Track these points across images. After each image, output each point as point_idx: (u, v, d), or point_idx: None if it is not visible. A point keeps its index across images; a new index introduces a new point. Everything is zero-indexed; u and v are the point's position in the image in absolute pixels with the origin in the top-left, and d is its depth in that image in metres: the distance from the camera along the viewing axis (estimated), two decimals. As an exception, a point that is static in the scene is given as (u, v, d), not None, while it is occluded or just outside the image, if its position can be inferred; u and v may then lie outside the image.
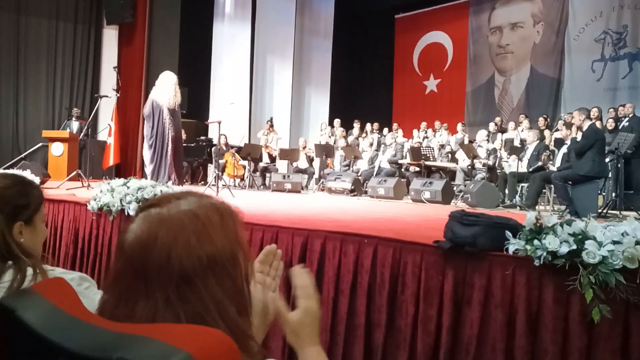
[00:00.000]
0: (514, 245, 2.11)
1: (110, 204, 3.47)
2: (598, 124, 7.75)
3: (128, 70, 10.02)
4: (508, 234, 2.15)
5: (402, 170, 9.37)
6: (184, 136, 8.82)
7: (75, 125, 9.28)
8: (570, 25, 10.99)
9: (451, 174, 8.72)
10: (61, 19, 10.20)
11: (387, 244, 2.43)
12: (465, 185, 7.62)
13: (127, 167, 9.79)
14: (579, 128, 5.68)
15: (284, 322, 0.92)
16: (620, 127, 7.99)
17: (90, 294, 1.24)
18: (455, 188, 7.99)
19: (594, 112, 7.88)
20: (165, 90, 5.75)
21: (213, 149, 9.69)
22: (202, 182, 9.77)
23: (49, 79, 10.16)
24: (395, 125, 11.66)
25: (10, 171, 4.69)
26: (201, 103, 10.99)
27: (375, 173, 9.25)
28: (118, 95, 9.19)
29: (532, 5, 11.69)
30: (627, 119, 8.06)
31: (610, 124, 7.93)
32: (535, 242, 2.05)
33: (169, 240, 0.69)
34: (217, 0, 11.68)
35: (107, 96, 7.95)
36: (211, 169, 9.95)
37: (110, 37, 10.67)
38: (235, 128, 10.69)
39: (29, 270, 1.11)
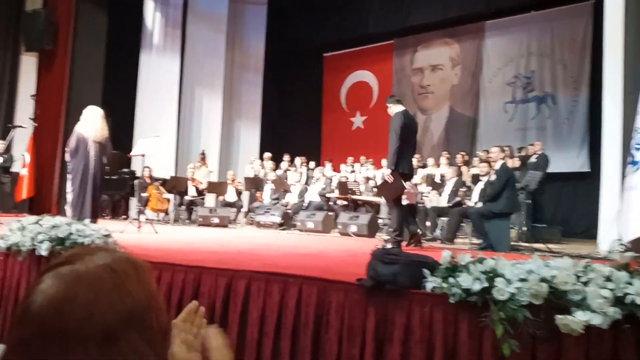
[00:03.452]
0: (432, 283, 2.20)
1: (20, 243, 3.24)
2: (510, 162, 8.32)
3: (47, 99, 9.54)
4: (425, 271, 2.24)
5: (330, 203, 9.51)
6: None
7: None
8: (484, 69, 11.82)
9: (376, 208, 8.96)
10: (-27, 43, 9.62)
11: (311, 283, 2.45)
12: (389, 219, 7.85)
13: (41, 200, 9.21)
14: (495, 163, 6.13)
15: None
16: (527, 164, 8.61)
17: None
18: (380, 221, 8.21)
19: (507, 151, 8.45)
20: (91, 123, 5.55)
21: (136, 182, 9.37)
22: (124, 217, 9.38)
23: (-43, 107, 9.48)
24: (326, 160, 11.87)
25: None
26: (125, 134, 10.65)
27: (304, 206, 9.31)
28: (35, 125, 8.73)
29: (450, 50, 12.47)
30: (535, 156, 8.70)
31: (516, 162, 8.53)
32: (451, 279, 2.16)
33: (90, 298, 0.67)
34: (145, 32, 11.52)
35: (22, 126, 7.52)
36: (134, 203, 9.59)
37: (28, 64, 10.16)
38: (160, 161, 10.42)
39: None
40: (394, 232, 5.15)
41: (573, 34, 10.56)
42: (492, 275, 2.12)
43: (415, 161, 10.19)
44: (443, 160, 9.61)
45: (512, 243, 5.97)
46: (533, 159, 8.65)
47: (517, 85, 11.37)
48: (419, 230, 5.55)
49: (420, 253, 2.71)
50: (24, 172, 8.87)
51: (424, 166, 10.04)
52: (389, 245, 5.08)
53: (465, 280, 2.10)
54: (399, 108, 5.40)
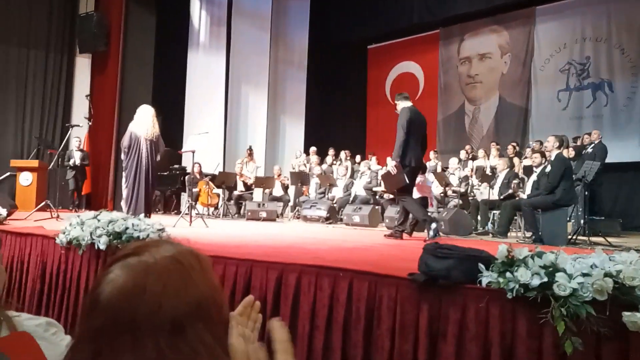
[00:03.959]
0: (487, 277, 2.13)
1: (79, 237, 3.38)
2: (565, 152, 7.99)
3: (101, 99, 9.93)
4: (481, 266, 2.17)
5: (377, 197, 9.43)
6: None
7: (77, 155, 9.04)
8: (535, 57, 11.40)
9: (424, 201, 8.80)
10: (32, 47, 10.08)
11: (362, 277, 2.43)
12: (438, 213, 7.71)
13: (98, 197, 9.61)
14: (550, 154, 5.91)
15: None
16: (583, 154, 8.25)
17: (57, 340, 1.20)
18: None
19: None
20: (143, 122, 5.73)
21: (187, 177, 9.60)
22: (175, 211, 9.64)
23: (18, 108, 9.97)
24: (370, 154, 11.79)
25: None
26: (175, 132, 10.92)
27: (350, 200, 9.28)
28: (90, 123, 9.10)
29: (499, 37, 12.09)
30: (592, 145, 8.32)
31: (571, 152, 8.19)
32: (508, 274, 2.07)
33: (159, 288, 0.68)
34: (192, 30, 11.74)
35: (78, 125, 7.85)
36: (184, 198, 9.83)
37: (82, 65, 10.58)
38: (209, 156, 10.63)
39: None
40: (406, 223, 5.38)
41: (631, 17, 10.03)
42: (552, 270, 2.03)
43: (464, 153, 9.99)
44: (493, 151, 9.34)
45: (569, 237, 5.74)
46: (589, 149, 8.28)
47: (571, 72, 10.92)
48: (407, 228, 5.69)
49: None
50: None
51: (474, 158, 9.79)
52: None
53: (523, 275, 2.01)
54: (406, 104, 5.59)
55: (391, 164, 5.35)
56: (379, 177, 9.70)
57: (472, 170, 9.01)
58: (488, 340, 2.09)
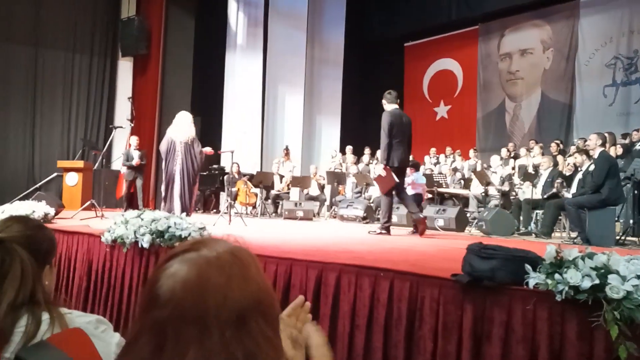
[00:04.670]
0: (534, 279, 2.06)
1: (124, 236, 3.47)
2: (612, 149, 7.69)
3: (142, 101, 10.19)
4: (528, 267, 2.10)
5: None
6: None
7: (135, 154, 9.17)
8: (580, 51, 11.02)
9: (464, 201, 8.65)
10: (77, 51, 10.43)
11: (403, 277, 2.39)
12: (479, 213, 7.55)
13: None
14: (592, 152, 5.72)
15: None
16: (633, 151, 7.93)
17: (107, 338, 1.23)
18: (468, 215, 7.92)
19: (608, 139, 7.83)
20: (180, 127, 5.88)
21: (225, 177, 9.74)
22: (214, 211, 9.78)
23: (64, 110, 10.33)
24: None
25: (20, 210, 4.74)
26: (214, 132, 11.09)
27: (387, 200, 9.19)
28: (132, 125, 9.33)
29: (541, 32, 11.76)
30: None
31: (619, 150, 7.87)
32: (556, 276, 2.00)
33: (222, 281, 0.68)
34: (229, 32, 11.90)
35: (121, 127, 8.06)
36: (223, 197, 9.97)
37: (125, 68, 10.88)
38: (247, 156, 10.75)
39: (44, 315, 1.10)
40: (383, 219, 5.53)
41: (684, 7, 9.58)
42: (604, 271, 1.94)
43: (505, 151, 9.75)
44: (536, 149, 9.08)
45: (617, 237, 5.51)
46: (638, 146, 7.94)
47: (618, 67, 10.52)
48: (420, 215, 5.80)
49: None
50: (124, 170, 9.50)
51: (516, 156, 9.55)
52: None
53: (573, 276, 1.94)
54: (390, 107, 5.73)
55: (379, 168, 5.52)
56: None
57: (513, 168, 8.78)
58: (536, 343, 2.03)
